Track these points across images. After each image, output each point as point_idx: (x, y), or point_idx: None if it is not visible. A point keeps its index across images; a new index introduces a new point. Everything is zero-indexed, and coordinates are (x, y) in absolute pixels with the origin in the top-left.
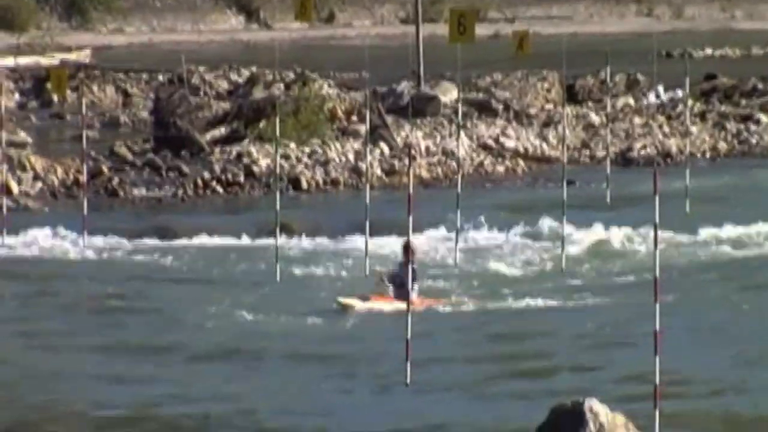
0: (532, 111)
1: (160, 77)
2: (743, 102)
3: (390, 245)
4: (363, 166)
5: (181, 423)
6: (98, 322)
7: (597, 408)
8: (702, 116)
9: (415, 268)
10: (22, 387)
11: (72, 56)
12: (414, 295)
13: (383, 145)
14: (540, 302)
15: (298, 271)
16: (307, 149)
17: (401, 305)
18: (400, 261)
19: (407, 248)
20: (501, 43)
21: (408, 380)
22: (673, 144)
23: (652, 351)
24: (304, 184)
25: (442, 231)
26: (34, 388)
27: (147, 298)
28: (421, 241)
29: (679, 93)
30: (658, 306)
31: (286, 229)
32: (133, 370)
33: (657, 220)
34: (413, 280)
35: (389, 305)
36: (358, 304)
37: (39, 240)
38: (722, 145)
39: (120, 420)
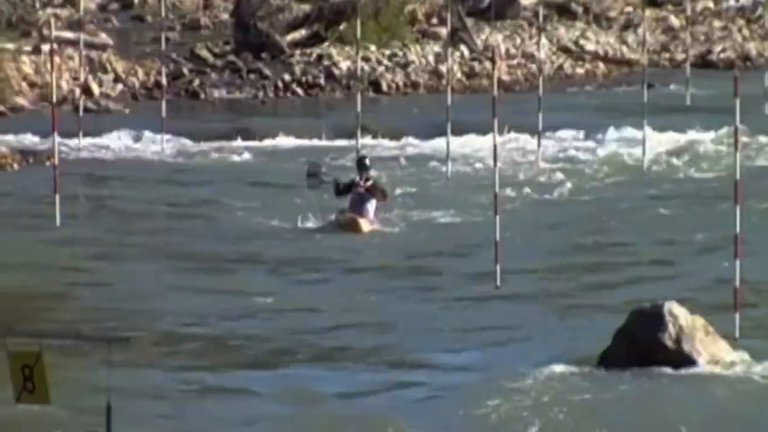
0: (612, 14)
1: None
2: None
3: (472, 144)
4: (443, 68)
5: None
6: (173, 228)
7: (676, 311)
8: None
9: (374, 184)
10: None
11: None
12: (369, 218)
13: (463, 48)
14: (622, 205)
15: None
16: (387, 52)
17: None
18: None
19: (362, 164)
20: None
21: (498, 283)
22: (752, 47)
23: (733, 256)
24: (385, 87)
25: (525, 134)
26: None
27: (222, 204)
28: (502, 142)
29: None
30: (738, 210)
31: (367, 131)
32: (218, 282)
33: (738, 123)
34: (368, 200)
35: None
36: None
37: (119, 141)
38: None
39: (205, 335)
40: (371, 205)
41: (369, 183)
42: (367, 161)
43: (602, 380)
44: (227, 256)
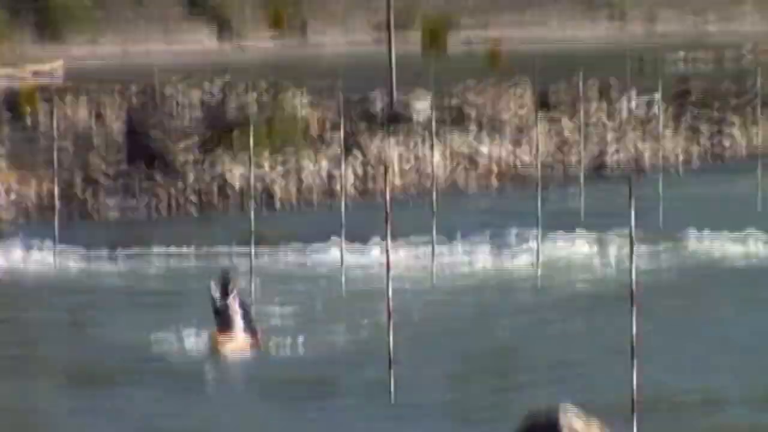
0: (505, 117)
1: (133, 90)
2: (716, 105)
3: (367, 253)
4: (337, 175)
5: None
6: (59, 343)
7: (572, 421)
8: (676, 120)
9: (241, 300)
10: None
11: (44, 69)
12: (238, 333)
13: (356, 157)
14: (518, 312)
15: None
16: (278, 162)
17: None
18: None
19: (226, 280)
20: (474, 56)
21: (392, 398)
22: (647, 148)
23: (630, 359)
24: (278, 197)
25: (420, 242)
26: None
27: (111, 318)
28: (399, 253)
29: (656, 96)
30: (635, 312)
31: (263, 242)
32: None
33: (633, 227)
34: (234, 313)
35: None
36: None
37: (10, 255)
38: (695, 149)
39: None
40: (238, 318)
41: (232, 294)
42: (228, 273)
43: None
44: (116, 373)
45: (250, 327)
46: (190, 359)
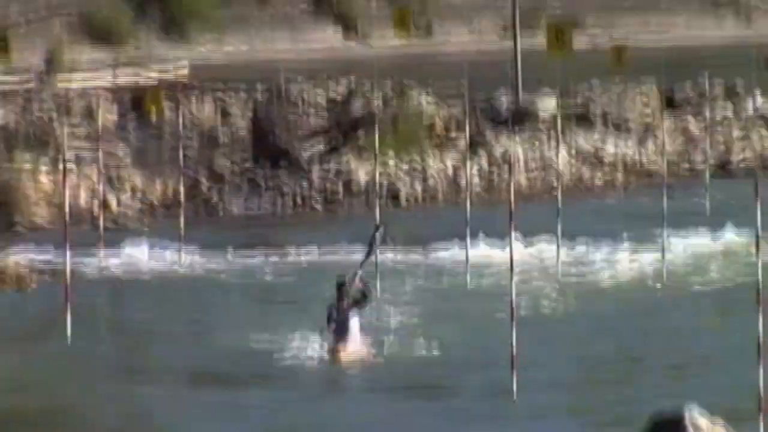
0: (630, 120)
1: (259, 90)
2: None
3: (491, 254)
4: (462, 178)
5: None
6: (182, 345)
7: (698, 420)
8: None
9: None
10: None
11: (170, 70)
12: (354, 345)
13: (482, 157)
14: (642, 314)
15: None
16: (406, 160)
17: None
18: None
19: (341, 287)
20: (599, 54)
21: (515, 397)
22: None
23: (756, 362)
24: (404, 198)
25: (543, 242)
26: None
27: (235, 321)
28: (522, 250)
29: None
30: (761, 314)
31: (386, 242)
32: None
33: (759, 227)
34: (350, 322)
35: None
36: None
37: (137, 257)
38: None
39: None
40: (355, 326)
41: (345, 302)
42: (344, 282)
43: None
44: (238, 376)
45: (361, 336)
46: (312, 362)
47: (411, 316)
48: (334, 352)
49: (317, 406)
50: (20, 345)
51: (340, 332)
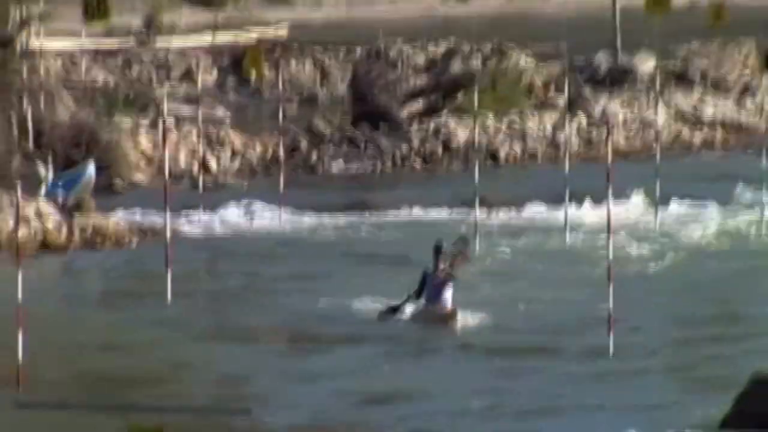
0: (730, 78)
1: (358, 51)
2: None
3: (589, 214)
4: (561, 137)
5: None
6: (283, 306)
7: None
8: None
9: (449, 271)
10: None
11: (269, 32)
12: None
13: (581, 116)
14: (741, 273)
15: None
16: (505, 121)
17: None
18: (428, 269)
19: (438, 251)
20: (698, 12)
21: (611, 354)
22: None
23: None
24: (503, 157)
25: (641, 201)
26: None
27: (334, 280)
28: (619, 210)
29: None
30: None
31: (485, 202)
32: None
33: None
34: (445, 288)
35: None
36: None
37: (237, 216)
38: None
39: None
40: (448, 293)
41: (444, 271)
42: (444, 247)
43: None
44: (335, 336)
45: (452, 300)
46: (408, 324)
47: (508, 278)
48: (428, 315)
49: (412, 367)
50: (119, 305)
51: (435, 295)
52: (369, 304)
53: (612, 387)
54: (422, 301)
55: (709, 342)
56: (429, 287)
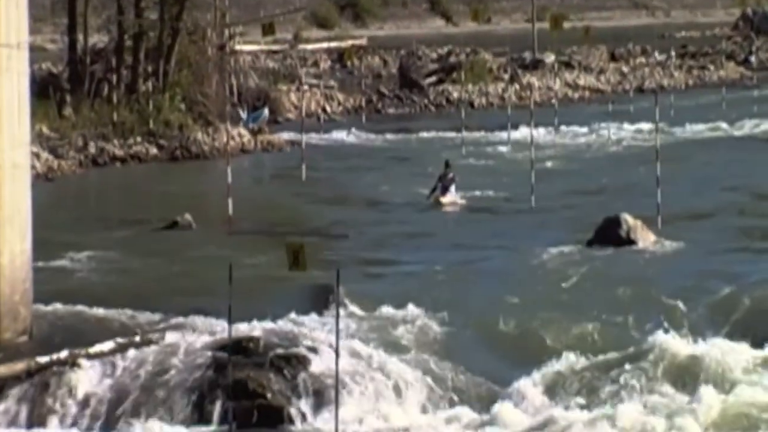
0: (593, 65)
1: (402, 51)
2: (701, 59)
3: (519, 135)
4: (506, 95)
5: None
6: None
7: (627, 218)
8: (680, 67)
9: (453, 176)
10: None
11: (357, 41)
12: (450, 197)
13: (516, 84)
14: (600, 164)
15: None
16: (477, 87)
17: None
18: (443, 173)
19: (447, 164)
20: (577, 30)
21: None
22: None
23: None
24: (476, 105)
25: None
26: None
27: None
28: (535, 132)
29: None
30: None
31: (467, 128)
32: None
33: None
34: (450, 186)
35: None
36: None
37: (341, 136)
38: (689, 81)
39: None
40: (453, 187)
41: (450, 175)
42: (449, 162)
43: (588, 253)
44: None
45: (455, 193)
46: (427, 203)
47: (486, 175)
48: (438, 199)
49: (419, 225)
50: (280, 179)
51: (444, 189)
52: (400, 187)
53: (529, 223)
54: (437, 191)
55: (582, 198)
56: (441, 184)
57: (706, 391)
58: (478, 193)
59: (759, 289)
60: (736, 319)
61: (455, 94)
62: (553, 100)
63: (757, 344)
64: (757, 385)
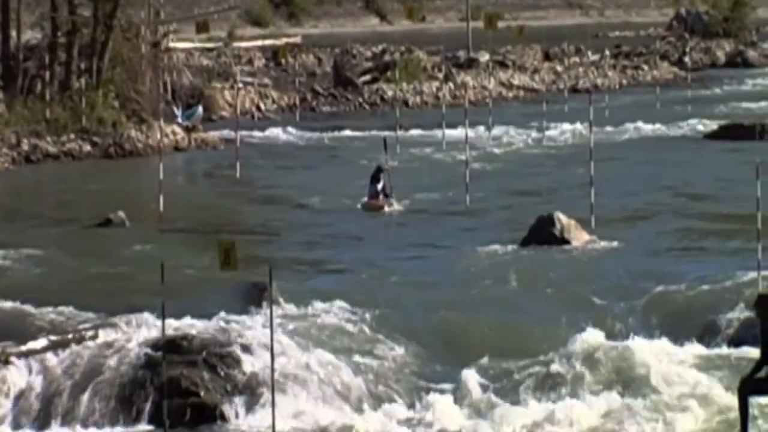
0: (527, 65)
1: (336, 50)
2: (635, 59)
3: (453, 134)
4: (440, 94)
5: None
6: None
7: (560, 216)
8: (614, 66)
9: (386, 180)
10: None
11: (291, 39)
12: (383, 199)
13: (450, 83)
14: (536, 161)
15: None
16: (411, 86)
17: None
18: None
19: (379, 170)
20: (511, 30)
21: (468, 204)
22: (599, 81)
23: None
24: (411, 104)
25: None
26: None
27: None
28: (470, 132)
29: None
30: None
31: (402, 127)
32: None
33: None
34: (385, 190)
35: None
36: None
37: (274, 133)
38: (624, 81)
39: None
40: (381, 187)
41: (382, 181)
42: (381, 167)
43: (521, 252)
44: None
45: (387, 195)
46: (357, 206)
47: (412, 175)
48: (368, 203)
49: (353, 225)
50: (215, 176)
51: (373, 193)
52: (333, 186)
53: (463, 223)
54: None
55: (517, 197)
56: (372, 188)
57: (635, 389)
58: (412, 193)
59: (689, 289)
60: (666, 318)
61: (390, 93)
62: (488, 100)
63: (686, 343)
64: (684, 384)
